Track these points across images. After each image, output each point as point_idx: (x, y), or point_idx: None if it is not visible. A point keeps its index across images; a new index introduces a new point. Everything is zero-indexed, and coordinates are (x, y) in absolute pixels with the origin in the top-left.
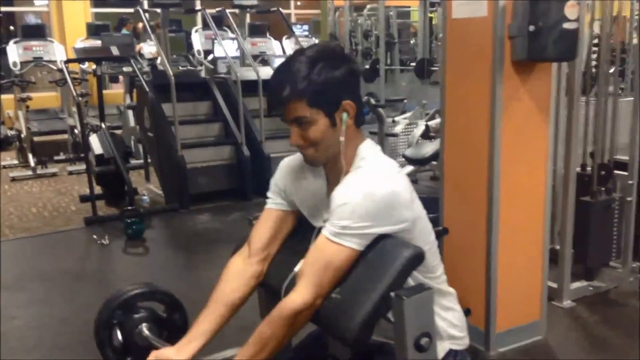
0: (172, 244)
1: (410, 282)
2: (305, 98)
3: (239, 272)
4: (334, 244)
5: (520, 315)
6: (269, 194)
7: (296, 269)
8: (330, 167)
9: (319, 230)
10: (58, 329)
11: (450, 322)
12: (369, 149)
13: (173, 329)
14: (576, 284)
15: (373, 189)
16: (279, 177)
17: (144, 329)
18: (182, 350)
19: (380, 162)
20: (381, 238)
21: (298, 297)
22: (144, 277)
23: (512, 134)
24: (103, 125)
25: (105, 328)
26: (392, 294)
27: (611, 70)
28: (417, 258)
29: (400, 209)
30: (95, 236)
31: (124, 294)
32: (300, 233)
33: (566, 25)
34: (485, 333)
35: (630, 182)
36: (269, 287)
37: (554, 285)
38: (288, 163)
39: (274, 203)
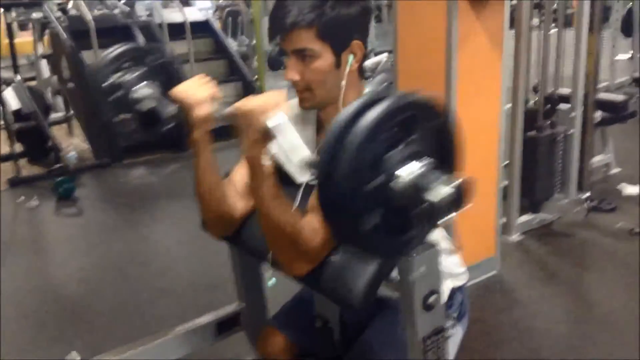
0: (108, 201)
1: None
2: (315, 28)
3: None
4: None
5: (476, 253)
6: None
7: None
8: (325, 114)
9: (306, 185)
10: None
11: (451, 262)
12: None
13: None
14: (523, 218)
15: None
16: None
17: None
18: None
19: None
20: None
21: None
22: (81, 239)
23: (467, 71)
24: (18, 77)
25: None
26: None
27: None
28: None
29: None
30: (23, 197)
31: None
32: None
33: None
34: None
35: (573, 114)
36: (249, 251)
37: (503, 220)
38: None
39: None
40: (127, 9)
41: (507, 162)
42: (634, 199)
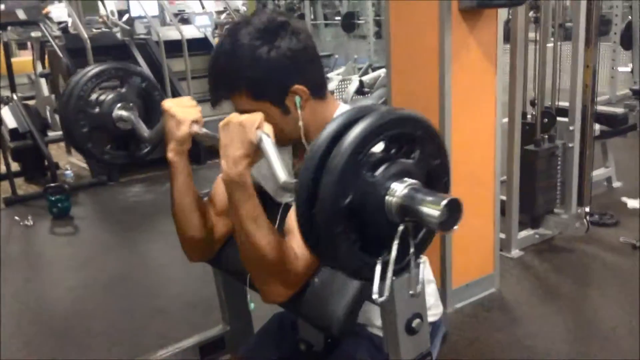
0: (104, 220)
1: None
2: (246, 92)
3: (203, 211)
4: None
5: (474, 270)
6: None
7: None
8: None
9: (286, 206)
10: None
11: (427, 293)
12: None
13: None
14: (523, 233)
15: None
16: None
17: (120, 110)
18: None
19: None
20: None
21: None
22: (75, 258)
23: (461, 84)
24: (15, 97)
25: (76, 121)
26: None
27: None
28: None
29: None
30: (17, 217)
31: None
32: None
33: None
34: (442, 290)
35: (572, 128)
36: (230, 273)
37: (502, 236)
38: None
39: None
40: (127, 27)
41: (504, 177)
42: (637, 213)
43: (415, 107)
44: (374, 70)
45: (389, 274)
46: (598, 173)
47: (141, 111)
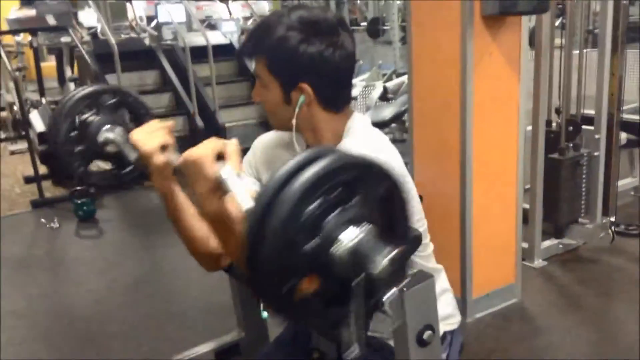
0: (128, 223)
1: None
2: (263, 58)
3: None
4: None
5: (495, 279)
6: None
7: None
8: (310, 144)
9: None
10: (10, 323)
11: (443, 302)
12: (357, 123)
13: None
14: (546, 243)
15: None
16: (252, 156)
17: (108, 133)
18: None
19: (370, 133)
20: None
21: None
22: (98, 260)
23: (483, 92)
24: (44, 100)
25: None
26: None
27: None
28: (415, 242)
29: None
30: (43, 220)
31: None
32: None
33: None
34: (462, 300)
35: (597, 136)
36: (243, 280)
37: (525, 245)
38: (261, 141)
39: None
40: (155, 33)
41: (528, 185)
42: None
43: (437, 113)
44: (398, 76)
45: (354, 333)
46: (624, 182)
47: (130, 128)
